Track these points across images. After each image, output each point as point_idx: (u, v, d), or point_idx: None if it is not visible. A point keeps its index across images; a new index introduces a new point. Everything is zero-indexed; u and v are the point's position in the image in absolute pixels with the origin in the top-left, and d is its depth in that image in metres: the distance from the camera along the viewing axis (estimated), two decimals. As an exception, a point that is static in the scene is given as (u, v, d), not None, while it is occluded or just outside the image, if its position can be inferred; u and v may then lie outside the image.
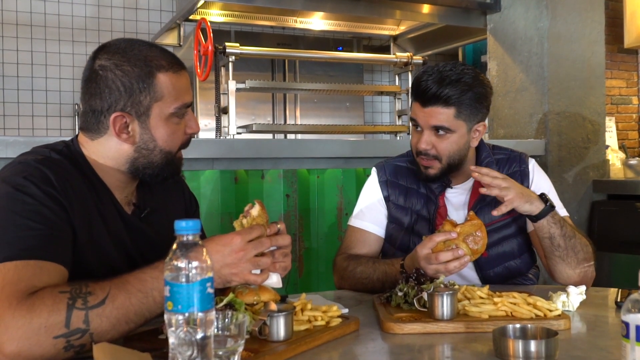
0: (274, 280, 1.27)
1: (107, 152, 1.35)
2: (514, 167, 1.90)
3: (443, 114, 1.72)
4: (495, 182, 1.64)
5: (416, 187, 1.89)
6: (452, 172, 1.82)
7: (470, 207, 1.84)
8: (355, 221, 1.95)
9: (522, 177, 1.88)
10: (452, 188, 1.87)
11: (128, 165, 1.35)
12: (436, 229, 1.82)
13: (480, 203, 1.83)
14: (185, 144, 1.41)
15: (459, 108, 1.73)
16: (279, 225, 1.29)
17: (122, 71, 1.29)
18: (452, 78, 1.72)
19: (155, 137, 1.33)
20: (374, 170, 1.98)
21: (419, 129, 1.79)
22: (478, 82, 1.76)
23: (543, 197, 1.69)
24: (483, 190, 1.66)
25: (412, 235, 1.86)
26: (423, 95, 1.73)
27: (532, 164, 1.93)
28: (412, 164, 1.91)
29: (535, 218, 1.68)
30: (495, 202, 1.83)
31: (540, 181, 1.91)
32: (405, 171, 1.92)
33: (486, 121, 1.84)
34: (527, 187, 1.86)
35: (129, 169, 1.36)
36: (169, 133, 1.34)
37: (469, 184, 1.88)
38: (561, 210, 1.90)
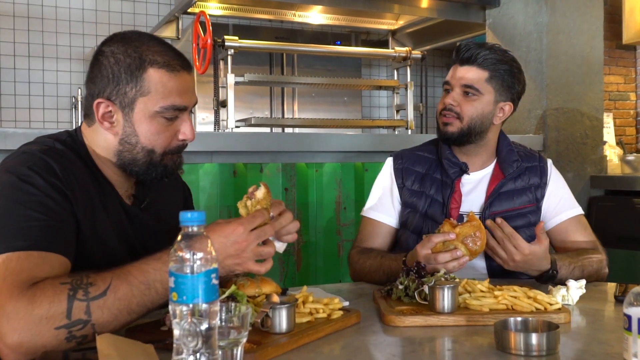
0: (277, 246, 1.27)
1: (99, 141, 1.34)
2: (532, 162, 1.94)
3: (476, 74, 1.82)
4: (506, 244, 1.62)
5: (431, 173, 1.92)
6: (470, 139, 1.85)
7: (488, 195, 1.86)
8: (369, 211, 1.98)
9: (540, 173, 1.92)
10: (469, 175, 1.89)
11: (116, 159, 1.34)
12: (450, 213, 1.85)
13: (498, 191, 1.86)
14: (176, 150, 1.36)
15: (492, 73, 1.82)
16: (282, 208, 1.30)
17: (115, 59, 1.28)
18: (495, 47, 1.85)
19: (138, 133, 1.30)
20: (389, 159, 2.01)
21: (450, 91, 1.86)
22: (516, 64, 1.87)
23: (549, 271, 1.69)
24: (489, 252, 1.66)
25: (426, 219, 1.89)
26: (463, 53, 1.84)
27: (551, 164, 1.98)
28: (429, 153, 1.96)
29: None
30: (512, 194, 1.86)
31: (556, 181, 1.94)
32: (422, 158, 1.96)
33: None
34: (545, 183, 1.91)
35: (117, 162, 1.34)
36: (152, 132, 1.30)
37: (486, 171, 1.92)
38: (575, 209, 1.93)
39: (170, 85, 1.29)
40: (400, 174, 1.95)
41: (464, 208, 1.87)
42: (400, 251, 1.83)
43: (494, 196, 1.86)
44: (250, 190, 1.30)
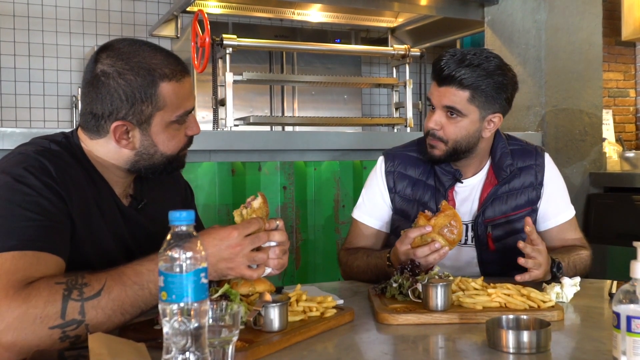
0: (267, 271, 1.28)
1: (107, 153, 1.35)
2: (528, 160, 1.86)
3: (456, 96, 1.70)
4: (536, 258, 1.55)
5: (424, 179, 1.86)
6: (459, 157, 1.78)
7: (482, 202, 1.82)
8: (359, 213, 1.94)
9: (536, 172, 1.86)
10: (462, 183, 1.84)
11: (129, 166, 1.36)
12: None
13: (491, 197, 1.82)
14: (187, 145, 1.41)
15: (474, 92, 1.70)
16: (277, 222, 1.29)
17: (125, 80, 1.27)
18: (473, 62, 1.69)
19: (156, 143, 1.33)
20: (381, 159, 1.94)
21: (433, 109, 1.76)
22: (500, 71, 1.72)
23: (555, 268, 1.64)
24: (521, 261, 1.54)
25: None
26: (439, 73, 1.71)
27: (548, 159, 1.91)
28: (422, 154, 1.87)
29: None
30: (507, 197, 1.82)
31: (553, 178, 1.89)
32: (415, 161, 1.89)
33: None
34: (541, 182, 1.85)
35: (129, 169, 1.36)
36: (169, 138, 1.34)
37: (479, 176, 1.86)
38: (569, 212, 1.89)
39: (180, 93, 1.32)
40: (391, 177, 1.88)
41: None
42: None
43: (487, 203, 1.81)
44: (248, 200, 1.32)
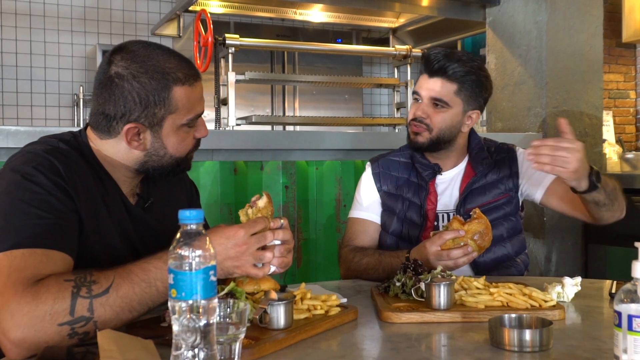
0: (272, 269, 1.29)
1: (117, 153, 1.36)
2: (502, 154, 1.99)
3: (444, 88, 1.84)
4: (558, 152, 1.59)
5: (407, 177, 1.99)
6: (439, 147, 1.90)
7: (461, 192, 1.92)
8: (354, 212, 2.03)
9: (510, 163, 1.97)
10: (441, 175, 1.96)
11: (138, 166, 1.38)
12: (427, 214, 1.91)
13: (470, 188, 1.92)
14: (195, 147, 1.43)
15: (461, 86, 1.85)
16: (282, 221, 1.31)
17: (139, 83, 1.29)
18: (462, 58, 1.86)
19: (166, 145, 1.35)
20: (368, 165, 2.08)
21: (419, 100, 1.89)
22: (483, 71, 1.90)
23: (592, 173, 1.67)
24: (535, 166, 1.62)
25: (405, 221, 1.95)
26: (431, 65, 1.84)
27: (520, 151, 2.01)
28: (403, 157, 2.02)
29: (578, 192, 1.70)
30: (485, 189, 1.92)
31: (528, 162, 1.89)
32: (398, 164, 2.02)
33: (483, 114, 1.90)
34: (516, 172, 1.95)
35: (138, 169, 1.38)
36: (179, 141, 1.36)
37: (458, 169, 1.98)
38: None
39: (192, 98, 1.34)
40: (378, 178, 2.02)
41: (440, 207, 1.93)
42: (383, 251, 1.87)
43: (466, 193, 1.91)
44: (252, 199, 1.34)
